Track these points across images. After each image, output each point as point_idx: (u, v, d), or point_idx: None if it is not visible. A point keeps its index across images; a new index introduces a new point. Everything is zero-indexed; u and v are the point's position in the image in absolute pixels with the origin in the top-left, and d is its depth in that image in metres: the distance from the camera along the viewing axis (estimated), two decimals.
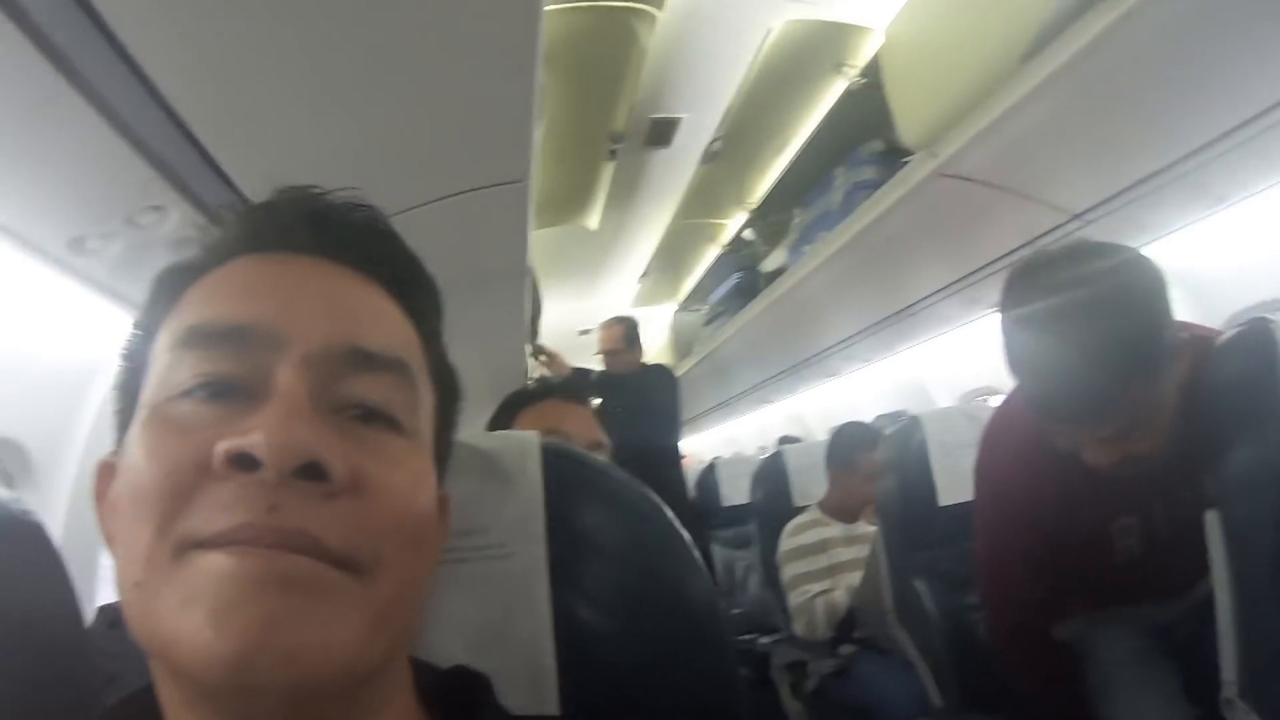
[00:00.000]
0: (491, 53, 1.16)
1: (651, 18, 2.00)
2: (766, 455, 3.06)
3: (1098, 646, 1.13)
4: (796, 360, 3.67)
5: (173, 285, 0.42)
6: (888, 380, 3.58)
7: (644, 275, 4.47)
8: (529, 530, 0.54)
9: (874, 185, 2.04)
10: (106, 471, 0.41)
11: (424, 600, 0.45)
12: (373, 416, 0.38)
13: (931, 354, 3.14)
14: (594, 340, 3.14)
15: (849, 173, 2.33)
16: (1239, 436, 0.87)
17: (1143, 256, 0.89)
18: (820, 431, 4.02)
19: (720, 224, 3.60)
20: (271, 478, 0.33)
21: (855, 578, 1.93)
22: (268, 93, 1.07)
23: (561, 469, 0.56)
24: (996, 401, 1.27)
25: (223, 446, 0.33)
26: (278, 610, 0.32)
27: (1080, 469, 0.95)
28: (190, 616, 0.32)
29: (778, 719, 2.28)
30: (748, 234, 3.51)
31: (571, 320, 4.82)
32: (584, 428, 1.17)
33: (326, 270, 0.41)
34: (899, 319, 2.66)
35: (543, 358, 2.86)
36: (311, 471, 0.33)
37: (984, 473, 1.16)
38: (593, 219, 3.29)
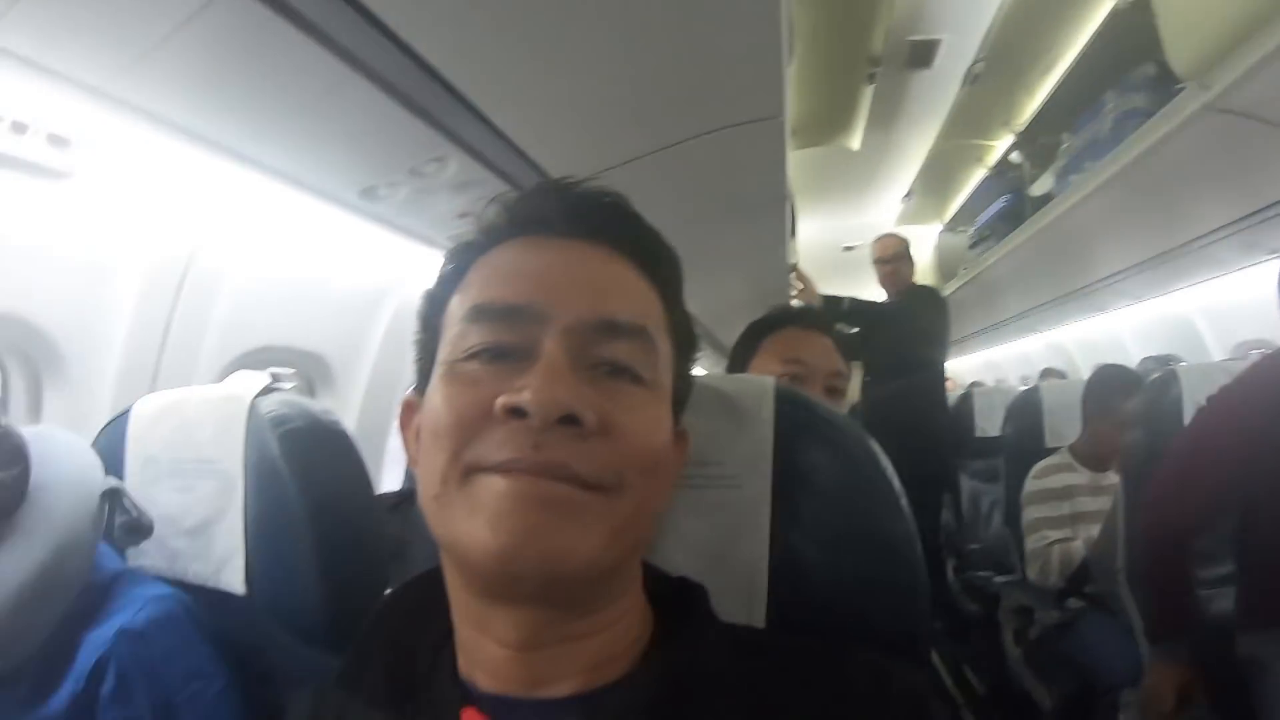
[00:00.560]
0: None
1: None
2: (1023, 390, 2.92)
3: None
4: (1062, 291, 3.37)
5: (458, 264, 0.50)
6: (1158, 320, 3.22)
7: (908, 196, 4.39)
8: (758, 466, 0.59)
9: (1145, 114, 1.86)
10: (409, 408, 0.51)
11: (661, 516, 0.53)
12: (619, 372, 0.45)
13: (1206, 297, 2.79)
14: (856, 257, 3.10)
15: (1119, 98, 2.12)
16: None
17: None
18: (1085, 367, 3.68)
19: (986, 145, 3.38)
20: (537, 425, 0.41)
21: (1096, 530, 1.87)
22: (529, 50, 1.17)
23: (792, 412, 0.60)
24: None
25: (501, 400, 0.42)
26: (539, 521, 0.40)
27: None
28: (474, 521, 0.41)
29: (997, 659, 2.30)
30: (1015, 157, 3.25)
31: (835, 237, 4.87)
32: (823, 356, 1.15)
33: (581, 250, 0.48)
34: (1170, 258, 2.39)
35: (797, 284, 2.86)
36: (568, 420, 0.41)
37: (1230, 402, 1.12)
38: (854, 140, 3.31)
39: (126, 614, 0.80)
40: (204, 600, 0.85)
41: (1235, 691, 1.08)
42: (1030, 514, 2.10)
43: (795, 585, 0.58)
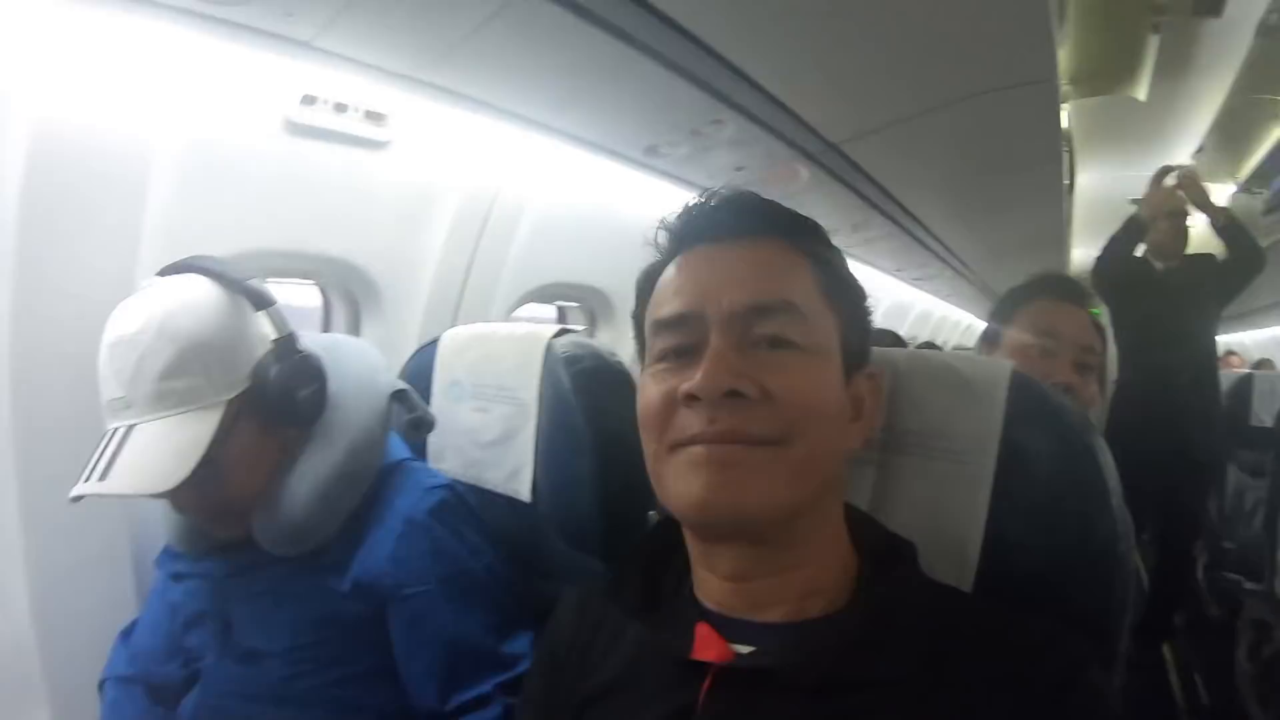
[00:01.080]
0: None
1: None
2: None
3: None
4: None
5: (647, 282, 0.62)
6: None
7: (1198, 150, 3.97)
8: (985, 446, 0.63)
9: None
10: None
11: (889, 476, 0.64)
12: (776, 343, 0.54)
13: None
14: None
15: None
16: None
17: None
18: None
19: None
20: (708, 403, 0.52)
21: None
22: (799, 21, 1.23)
23: (1024, 400, 0.63)
24: None
25: (681, 389, 0.53)
26: (723, 478, 0.51)
27: None
28: (679, 485, 0.53)
29: (1227, 670, 2.10)
30: None
31: (1121, 189, 4.49)
32: (1076, 330, 1.13)
33: (728, 249, 0.58)
34: None
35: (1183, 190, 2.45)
36: (734, 395, 0.52)
37: None
38: (1140, 90, 3.04)
39: (412, 497, 0.91)
40: (488, 500, 1.02)
41: None
42: None
43: (1002, 563, 0.60)
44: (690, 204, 0.61)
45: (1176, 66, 2.83)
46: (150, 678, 0.99)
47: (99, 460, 0.79)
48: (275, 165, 1.28)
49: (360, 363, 0.98)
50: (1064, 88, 1.69)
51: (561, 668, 0.65)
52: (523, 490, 1.00)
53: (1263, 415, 2.93)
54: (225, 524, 0.91)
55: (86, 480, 0.78)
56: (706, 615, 0.57)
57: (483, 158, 1.61)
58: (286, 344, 0.87)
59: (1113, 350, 2.44)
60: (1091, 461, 0.61)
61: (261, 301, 0.87)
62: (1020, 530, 0.61)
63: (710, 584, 0.58)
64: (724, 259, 0.57)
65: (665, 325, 0.57)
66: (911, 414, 0.66)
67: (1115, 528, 0.59)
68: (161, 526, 0.99)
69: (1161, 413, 2.40)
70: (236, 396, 0.84)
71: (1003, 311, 1.19)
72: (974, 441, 0.63)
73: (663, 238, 0.62)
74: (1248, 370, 3.56)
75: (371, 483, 0.91)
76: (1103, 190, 4.46)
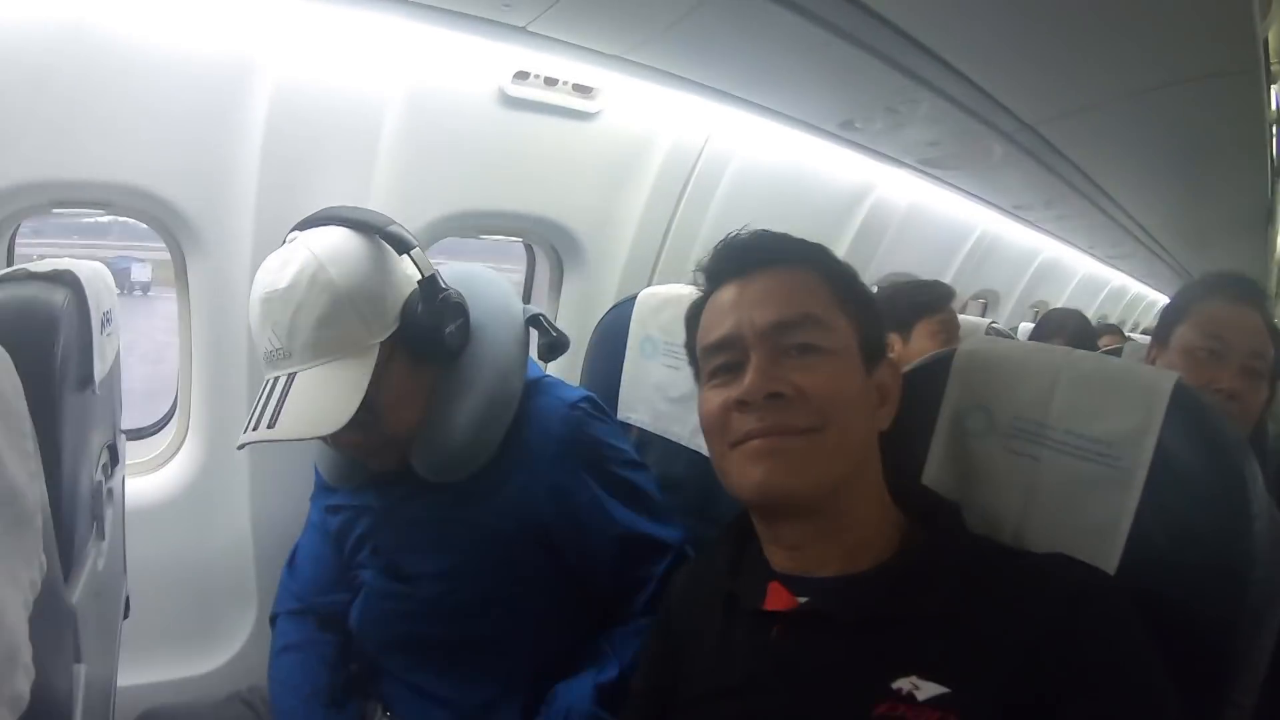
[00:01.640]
0: None
1: None
2: None
3: None
4: None
5: (692, 318, 0.75)
6: None
7: None
8: (1139, 453, 0.63)
9: None
10: None
11: (1022, 465, 0.69)
12: (804, 350, 0.66)
13: None
14: None
15: None
16: None
17: None
18: None
19: None
20: (754, 406, 0.64)
21: None
22: (990, 6, 1.24)
23: (1182, 414, 0.63)
24: None
25: (732, 398, 0.66)
26: (774, 465, 0.64)
27: None
28: (739, 474, 0.66)
29: None
30: None
31: None
32: (1246, 335, 1.10)
33: (754, 279, 0.70)
34: None
35: None
36: (774, 396, 0.64)
37: None
38: None
39: (558, 415, 0.94)
40: (671, 451, 1.10)
41: None
42: None
43: (1139, 566, 0.62)
44: (719, 246, 0.74)
45: None
46: (318, 609, 1.07)
47: (263, 408, 0.83)
48: (491, 132, 1.45)
49: (497, 292, 1.00)
50: (1275, 67, 1.47)
51: (670, 616, 0.81)
52: (704, 445, 1.10)
53: None
54: (382, 457, 0.94)
55: (256, 429, 0.82)
56: (776, 576, 0.69)
57: (684, 126, 1.71)
58: (430, 284, 0.89)
59: None
60: (1239, 484, 0.61)
61: (402, 246, 0.89)
62: (1161, 540, 0.63)
63: (776, 553, 0.70)
64: (750, 289, 0.70)
65: (712, 349, 0.70)
66: (1070, 414, 0.68)
67: (1253, 553, 0.59)
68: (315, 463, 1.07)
69: None
70: (388, 338, 0.88)
71: (1175, 309, 1.16)
72: (1130, 446, 0.64)
73: (700, 279, 0.75)
74: None
75: (519, 402, 0.94)
76: None
